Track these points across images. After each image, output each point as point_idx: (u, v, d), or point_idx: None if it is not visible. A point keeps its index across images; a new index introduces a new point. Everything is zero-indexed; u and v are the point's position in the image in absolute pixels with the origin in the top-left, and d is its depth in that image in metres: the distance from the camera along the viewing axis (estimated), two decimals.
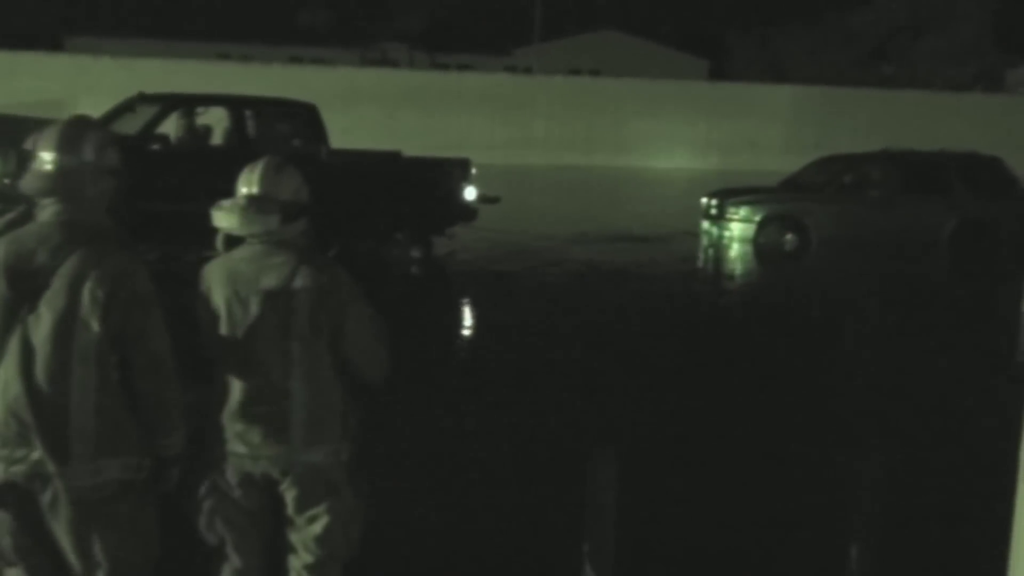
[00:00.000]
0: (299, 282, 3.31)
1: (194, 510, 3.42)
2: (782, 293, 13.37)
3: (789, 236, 15.67)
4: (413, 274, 12.69)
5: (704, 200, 16.80)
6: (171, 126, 12.52)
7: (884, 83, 42.93)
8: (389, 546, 4.63)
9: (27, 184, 3.03)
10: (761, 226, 15.69)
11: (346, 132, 23.61)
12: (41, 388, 2.91)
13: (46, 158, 3.03)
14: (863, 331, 10.68)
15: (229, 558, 3.44)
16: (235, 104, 12.41)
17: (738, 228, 15.90)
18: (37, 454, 2.92)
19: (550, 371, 8.36)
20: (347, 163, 12.70)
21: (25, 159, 3.06)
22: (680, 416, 7.25)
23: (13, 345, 2.92)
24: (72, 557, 3.02)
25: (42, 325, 2.91)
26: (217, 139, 12.62)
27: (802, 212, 15.74)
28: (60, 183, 3.01)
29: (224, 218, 3.36)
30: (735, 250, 15.72)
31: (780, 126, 32.33)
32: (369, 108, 29.34)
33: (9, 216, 3.06)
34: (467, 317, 11.07)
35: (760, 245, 15.62)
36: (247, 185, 3.41)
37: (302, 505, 3.41)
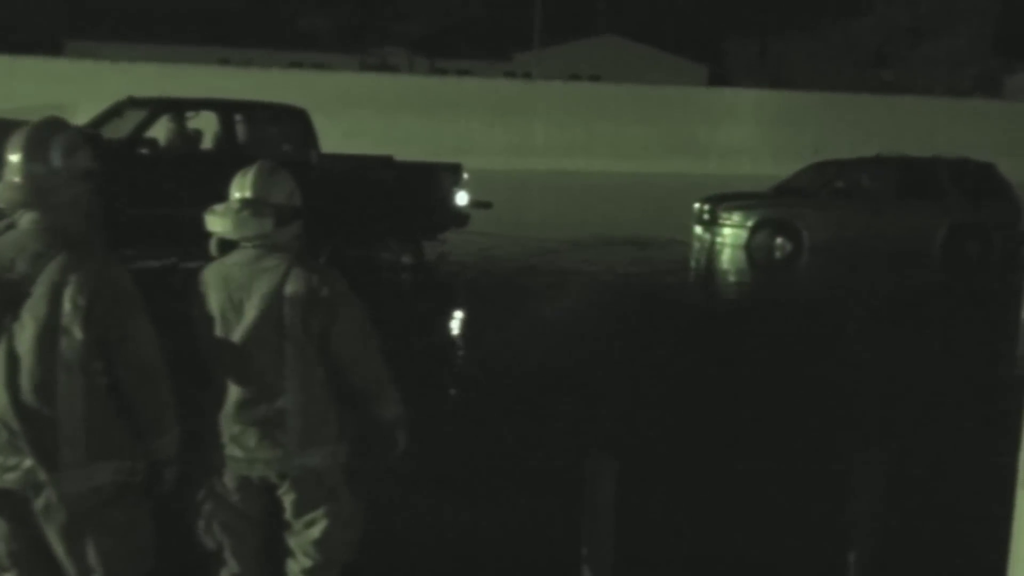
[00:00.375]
0: (291, 285, 3.32)
1: (192, 515, 3.42)
2: (776, 298, 13.36)
3: (781, 241, 15.65)
4: (404, 279, 12.62)
5: (696, 205, 16.76)
6: (163, 131, 12.48)
7: (883, 89, 42.96)
8: (387, 550, 4.62)
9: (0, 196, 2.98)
10: (753, 231, 15.66)
11: (346, 137, 23.66)
12: (27, 397, 2.88)
13: (14, 167, 2.96)
14: (859, 336, 10.67)
15: (227, 563, 3.45)
16: (225, 108, 12.32)
17: (730, 233, 15.88)
18: (29, 462, 2.90)
19: (545, 376, 8.35)
20: (338, 167, 12.63)
21: None
22: (678, 421, 7.25)
23: None
24: (67, 563, 3.01)
25: (25, 334, 2.88)
26: (208, 143, 12.57)
27: (794, 217, 15.73)
28: (30, 192, 2.95)
29: (217, 222, 3.37)
30: (727, 255, 15.70)
31: (779, 132, 32.34)
32: (369, 113, 29.35)
33: None
34: (459, 322, 11.04)
35: (752, 250, 15.60)
36: (240, 189, 3.42)
37: (300, 509, 3.41)
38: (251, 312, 3.31)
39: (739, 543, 5.12)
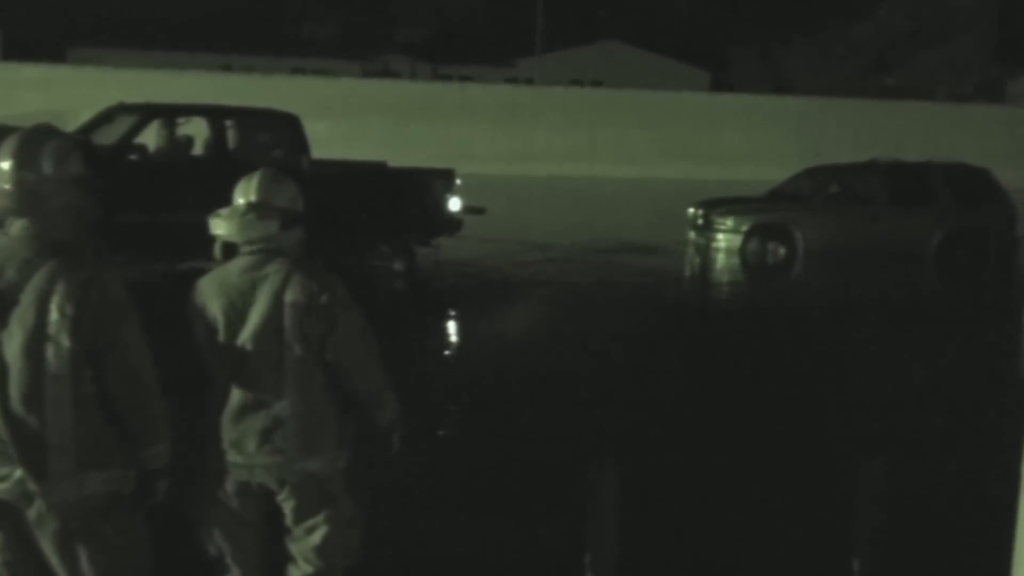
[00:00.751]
0: (291, 291, 3.32)
1: (192, 522, 3.42)
2: (771, 304, 13.34)
3: (775, 247, 15.62)
4: (396, 286, 12.53)
5: (691, 210, 16.71)
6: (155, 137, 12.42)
7: (885, 95, 42.97)
8: (388, 556, 4.62)
9: None
10: (747, 237, 15.62)
11: (348, 143, 23.70)
12: (15, 406, 2.85)
13: (5, 174, 2.94)
14: (857, 341, 10.65)
15: (228, 569, 3.45)
16: (215, 114, 12.21)
17: (724, 239, 15.81)
18: (20, 472, 2.88)
19: (543, 382, 8.34)
20: (329, 174, 12.54)
21: None
22: (680, 426, 7.24)
23: None
24: (61, 573, 2.99)
25: (13, 343, 2.85)
26: (199, 150, 12.52)
27: (789, 222, 15.67)
28: (21, 200, 2.92)
29: (223, 225, 3.38)
30: (721, 261, 15.65)
31: (781, 138, 32.34)
32: (371, 119, 29.41)
33: None
34: (455, 329, 11.01)
35: (747, 256, 15.57)
36: (244, 194, 3.44)
37: (300, 515, 3.41)
38: (254, 318, 3.31)
39: (743, 549, 5.11)
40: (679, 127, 32.76)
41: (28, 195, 2.92)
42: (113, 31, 44.39)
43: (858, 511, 4.21)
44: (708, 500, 5.73)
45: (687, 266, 15.97)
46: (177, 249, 10.82)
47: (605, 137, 32.29)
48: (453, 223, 12.96)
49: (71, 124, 12.59)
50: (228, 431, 3.34)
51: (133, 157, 11.66)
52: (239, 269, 3.38)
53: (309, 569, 3.46)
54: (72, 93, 26.40)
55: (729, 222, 15.81)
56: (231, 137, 12.12)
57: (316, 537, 3.43)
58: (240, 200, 3.43)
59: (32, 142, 2.98)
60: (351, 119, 29.05)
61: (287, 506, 3.41)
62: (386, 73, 43.81)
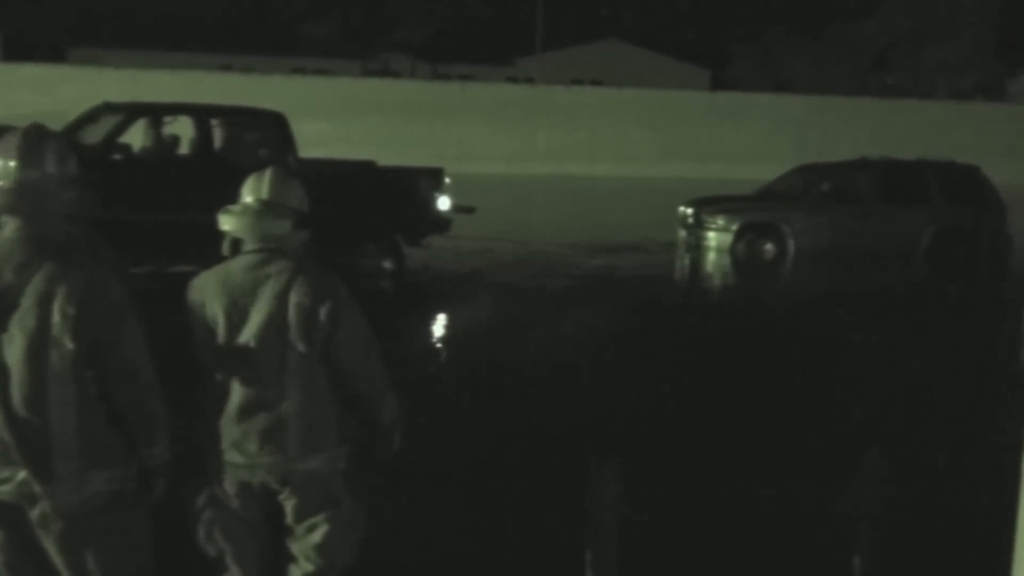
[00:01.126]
0: (296, 291, 3.31)
1: (192, 522, 3.41)
2: (763, 302, 13.35)
3: (766, 245, 15.61)
4: (385, 286, 12.41)
5: (681, 209, 16.71)
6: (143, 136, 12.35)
7: (886, 93, 43.00)
8: (388, 554, 4.61)
9: None
10: (738, 235, 15.61)
11: (348, 143, 23.71)
12: (18, 409, 2.85)
13: (8, 172, 2.93)
14: (851, 339, 10.63)
15: (229, 569, 3.44)
16: (201, 113, 12.09)
17: (715, 238, 15.81)
18: (23, 474, 2.88)
19: (537, 380, 8.35)
20: (316, 173, 12.45)
21: None
22: (679, 424, 7.25)
23: None
24: (65, 573, 2.99)
25: (15, 346, 2.85)
26: (186, 148, 12.43)
27: (779, 221, 15.69)
28: (22, 198, 2.91)
29: (234, 221, 3.37)
30: (712, 259, 15.65)
31: (782, 136, 32.35)
32: (371, 119, 29.41)
33: None
34: (444, 328, 10.95)
35: (737, 254, 15.55)
36: (255, 192, 3.42)
37: (301, 514, 3.40)
38: (257, 317, 3.30)
39: (743, 547, 5.11)
40: (679, 126, 32.77)
41: (29, 193, 2.91)
42: (113, 31, 44.41)
43: (858, 508, 4.21)
44: (708, 498, 5.73)
45: (678, 265, 15.94)
46: (162, 250, 10.77)
47: (605, 136, 32.29)
48: (442, 222, 12.82)
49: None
50: (229, 431, 3.33)
51: (117, 157, 11.59)
52: (242, 267, 3.36)
53: (310, 568, 3.45)
54: (72, 93, 26.37)
55: (719, 221, 15.81)
56: (217, 136, 12.02)
57: (317, 536, 3.43)
58: (249, 197, 3.42)
59: (35, 141, 2.97)
60: (351, 118, 29.06)
61: (288, 505, 3.41)
62: (386, 72, 43.82)
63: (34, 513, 2.92)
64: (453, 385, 8.33)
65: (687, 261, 15.99)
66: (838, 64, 48.37)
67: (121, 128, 11.61)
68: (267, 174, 3.46)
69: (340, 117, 28.97)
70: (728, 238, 15.64)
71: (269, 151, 11.93)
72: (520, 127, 31.71)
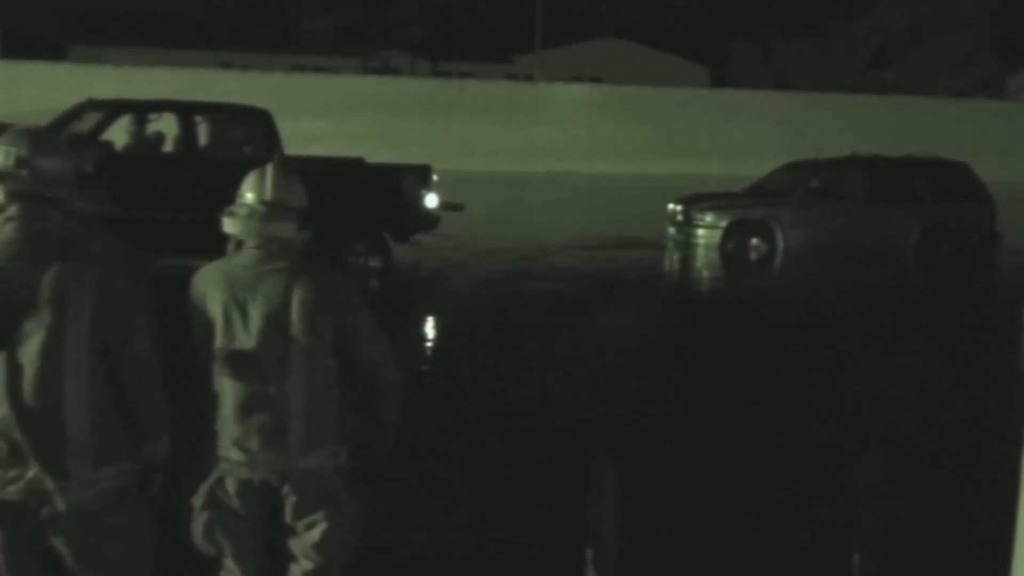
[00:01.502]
0: (299, 288, 3.31)
1: (191, 519, 3.41)
2: (753, 299, 13.34)
3: (755, 242, 15.60)
4: (372, 284, 12.17)
5: (670, 206, 16.66)
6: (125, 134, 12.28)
7: (885, 90, 42.97)
8: (388, 552, 4.62)
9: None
10: (727, 233, 15.58)
11: (348, 140, 23.69)
12: (31, 406, 2.85)
13: (22, 161, 2.93)
14: (843, 336, 10.63)
15: (228, 567, 3.44)
16: (184, 110, 12.00)
17: (704, 235, 15.76)
18: (33, 472, 2.87)
19: (533, 378, 8.35)
20: (302, 170, 12.30)
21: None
22: (679, 423, 7.25)
23: None
24: (75, 570, 2.99)
25: (30, 344, 2.85)
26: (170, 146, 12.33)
27: (768, 218, 15.66)
28: (36, 186, 2.92)
29: (238, 224, 3.35)
30: (701, 257, 15.61)
31: (782, 133, 32.31)
32: (371, 116, 29.40)
33: None
34: (435, 326, 10.89)
35: (726, 252, 15.53)
36: (257, 191, 3.39)
37: (301, 511, 3.40)
38: (257, 315, 3.30)
39: (743, 544, 5.11)
40: (679, 123, 32.75)
41: (43, 182, 2.93)
42: (113, 29, 44.39)
43: (858, 506, 4.22)
44: (708, 494, 5.74)
45: (667, 262, 15.92)
46: (146, 247, 10.73)
47: (605, 133, 32.27)
48: (430, 220, 12.72)
49: None
50: (231, 429, 3.32)
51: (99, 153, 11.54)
52: (245, 263, 3.35)
53: (309, 565, 3.45)
54: (72, 91, 26.36)
55: (709, 218, 15.77)
56: (202, 133, 11.93)
57: (316, 533, 3.42)
58: (250, 196, 3.39)
59: (45, 133, 3.01)
60: (351, 116, 29.05)
61: (288, 502, 3.40)
62: (386, 70, 43.79)
63: (43, 512, 2.91)
64: (447, 385, 8.30)
65: (676, 259, 15.95)
66: (837, 61, 48.33)
67: (103, 125, 11.50)
68: (269, 172, 3.42)
69: (340, 115, 28.96)
70: (717, 235, 15.60)
71: (254, 148, 11.82)
72: (520, 124, 31.70)
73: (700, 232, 15.80)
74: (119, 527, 3.03)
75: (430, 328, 10.78)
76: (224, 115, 12.59)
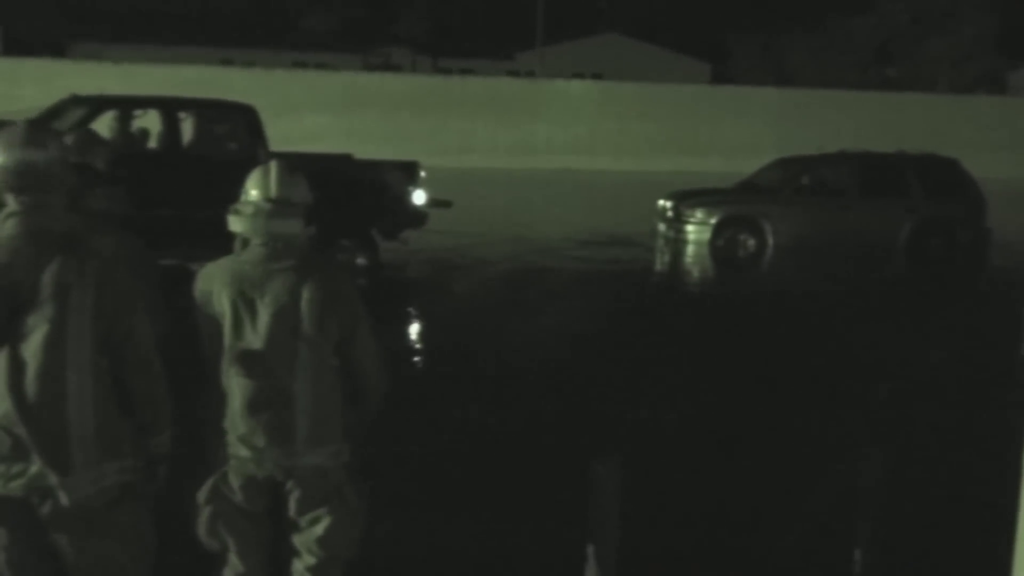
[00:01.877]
0: (308, 285, 3.32)
1: (195, 515, 3.42)
2: (745, 296, 13.32)
3: (745, 239, 15.58)
4: (360, 281, 12.28)
5: (660, 203, 16.62)
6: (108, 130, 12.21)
7: (887, 86, 42.94)
8: (390, 548, 4.63)
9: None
10: (717, 229, 15.56)
11: (349, 137, 23.68)
12: (34, 401, 2.85)
13: (13, 154, 2.94)
14: (841, 333, 10.61)
15: (232, 562, 3.45)
16: (168, 106, 11.85)
17: (694, 231, 15.73)
18: (35, 468, 2.87)
19: (529, 376, 8.35)
20: None
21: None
22: (680, 419, 7.26)
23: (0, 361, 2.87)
24: (76, 566, 2.99)
25: (34, 338, 2.85)
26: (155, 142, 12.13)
27: (758, 214, 15.63)
28: (28, 179, 2.92)
29: (244, 223, 3.35)
30: (691, 253, 15.58)
31: (783, 130, 32.29)
32: (372, 113, 29.41)
33: None
34: (427, 324, 10.84)
35: (716, 248, 15.50)
36: (262, 189, 3.40)
37: (305, 507, 3.41)
38: (266, 313, 3.30)
39: (744, 542, 5.12)
40: (680, 120, 32.75)
41: (36, 175, 2.93)
42: (114, 26, 44.39)
43: (859, 505, 4.22)
44: (709, 493, 5.74)
45: (657, 259, 15.92)
46: None
47: (606, 130, 32.27)
48: (418, 216, 12.63)
49: None
50: (237, 425, 3.33)
51: None
52: (253, 262, 3.36)
53: (312, 560, 3.46)
54: (72, 88, 26.35)
55: (698, 214, 15.73)
56: (185, 129, 11.86)
57: (319, 528, 3.44)
58: (255, 193, 3.40)
59: (38, 126, 3.01)
60: (352, 112, 29.06)
61: (292, 497, 3.41)
62: (387, 66, 43.74)
63: (44, 508, 2.91)
64: (442, 384, 8.29)
65: (666, 255, 15.91)
66: (839, 57, 48.28)
67: (86, 121, 11.27)
68: (273, 169, 3.43)
69: (341, 111, 28.96)
70: (707, 232, 15.56)
71: (239, 144, 11.74)
72: (521, 121, 31.70)
73: (690, 228, 15.75)
74: (121, 524, 3.03)
75: (426, 326, 10.76)
76: (209, 111, 12.44)
